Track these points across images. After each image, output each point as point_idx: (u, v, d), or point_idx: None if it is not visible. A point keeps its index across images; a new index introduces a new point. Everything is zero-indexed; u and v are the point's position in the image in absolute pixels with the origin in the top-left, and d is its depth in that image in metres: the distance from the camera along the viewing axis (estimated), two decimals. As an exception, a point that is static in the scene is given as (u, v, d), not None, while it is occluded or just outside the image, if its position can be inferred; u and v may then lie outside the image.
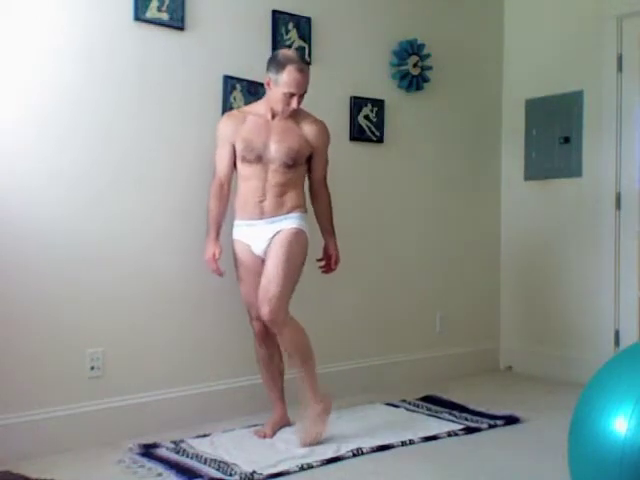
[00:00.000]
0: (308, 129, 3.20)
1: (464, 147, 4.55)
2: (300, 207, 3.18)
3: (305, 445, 2.99)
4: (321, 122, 3.25)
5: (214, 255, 3.12)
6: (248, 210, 3.14)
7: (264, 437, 3.11)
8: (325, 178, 3.32)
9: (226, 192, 3.19)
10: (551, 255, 4.47)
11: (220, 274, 3.16)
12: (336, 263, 3.37)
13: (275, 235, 3.11)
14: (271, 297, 2.96)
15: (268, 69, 3.10)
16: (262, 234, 3.13)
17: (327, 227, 3.34)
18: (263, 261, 3.13)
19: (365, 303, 4.01)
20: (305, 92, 3.11)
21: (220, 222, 3.18)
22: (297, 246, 3.10)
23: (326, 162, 3.30)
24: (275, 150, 3.11)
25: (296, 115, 3.17)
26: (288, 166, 3.13)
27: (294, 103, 3.08)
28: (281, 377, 3.28)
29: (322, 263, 3.37)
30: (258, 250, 3.15)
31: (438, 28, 4.38)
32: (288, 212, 3.14)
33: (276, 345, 3.22)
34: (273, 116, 3.15)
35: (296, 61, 3.06)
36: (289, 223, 3.12)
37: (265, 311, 2.97)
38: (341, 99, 3.93)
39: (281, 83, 3.04)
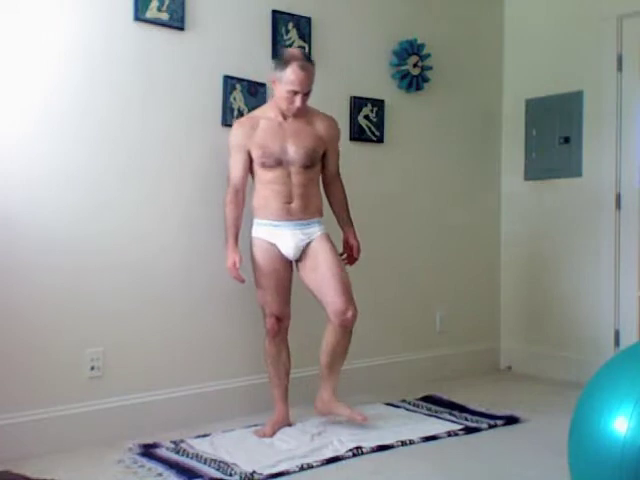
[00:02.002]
0: (320, 126, 3.23)
1: (464, 147, 4.55)
2: (321, 210, 3.27)
3: (319, 412, 3.24)
4: (331, 117, 3.30)
5: (235, 263, 3.10)
6: (272, 211, 3.14)
7: (264, 436, 3.10)
8: (338, 171, 3.37)
9: (242, 198, 3.17)
10: (551, 255, 4.47)
11: (242, 281, 3.14)
12: (358, 252, 3.40)
13: (309, 244, 3.16)
14: (348, 306, 3.13)
15: (274, 66, 3.12)
16: (291, 237, 3.15)
17: (345, 218, 3.39)
18: (291, 264, 3.19)
19: (365, 303, 4.00)
20: (310, 91, 3.11)
21: (238, 229, 3.16)
22: (335, 250, 3.23)
23: (338, 155, 3.35)
24: (294, 152, 3.13)
25: (306, 114, 3.18)
26: (307, 166, 3.17)
27: (297, 101, 3.08)
28: (287, 376, 3.27)
29: (344, 255, 3.39)
30: (287, 252, 3.16)
31: (438, 28, 4.38)
32: (313, 216, 3.21)
33: (286, 343, 3.24)
34: (284, 117, 3.15)
35: (300, 59, 3.06)
36: (317, 229, 3.21)
37: (349, 315, 3.13)
38: (341, 99, 3.93)
39: (284, 81, 3.05)
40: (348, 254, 3.40)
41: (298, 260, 3.21)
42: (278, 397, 3.26)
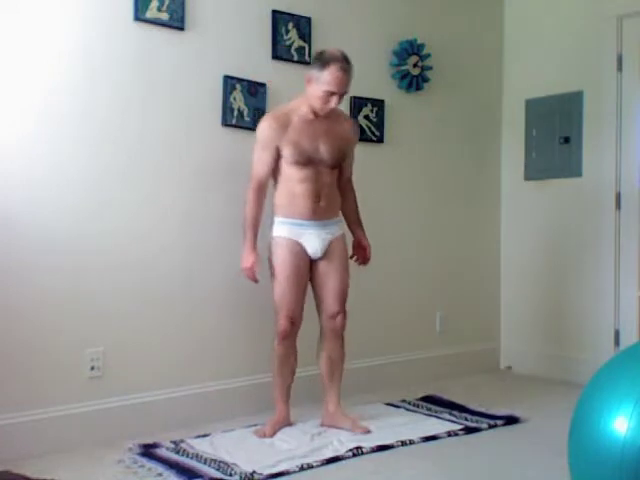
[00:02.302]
0: (344, 128, 3.25)
1: (464, 147, 4.55)
2: (340, 211, 3.31)
3: (325, 425, 3.25)
4: (351, 119, 3.33)
5: (254, 265, 3.10)
6: (299, 210, 3.13)
7: (264, 436, 3.10)
8: (352, 174, 3.40)
9: (264, 197, 3.16)
10: (551, 255, 4.47)
11: (256, 281, 3.14)
12: (369, 253, 3.42)
13: (331, 243, 3.18)
14: (340, 308, 3.21)
15: (312, 65, 3.11)
16: (317, 237, 3.16)
17: (357, 221, 3.41)
18: (310, 264, 3.18)
19: (365, 303, 4.01)
20: (346, 92, 3.11)
21: (258, 228, 3.14)
22: (347, 253, 3.31)
23: (353, 159, 3.38)
24: (324, 151, 3.14)
25: (332, 113, 3.17)
26: (334, 167, 3.19)
27: (333, 102, 3.07)
28: (292, 376, 3.26)
29: (355, 257, 3.40)
30: (314, 252, 3.16)
31: (438, 28, 4.38)
32: (335, 215, 3.24)
33: (295, 346, 3.23)
34: (316, 115, 3.14)
35: (340, 60, 3.05)
36: (337, 229, 3.24)
37: (340, 319, 3.22)
38: (341, 99, 3.93)
39: (323, 81, 3.03)
40: (361, 255, 3.41)
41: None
42: (280, 397, 3.25)
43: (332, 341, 3.24)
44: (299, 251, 3.14)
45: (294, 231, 3.13)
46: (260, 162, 3.13)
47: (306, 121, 3.13)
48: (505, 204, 4.72)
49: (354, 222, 3.40)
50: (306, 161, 3.10)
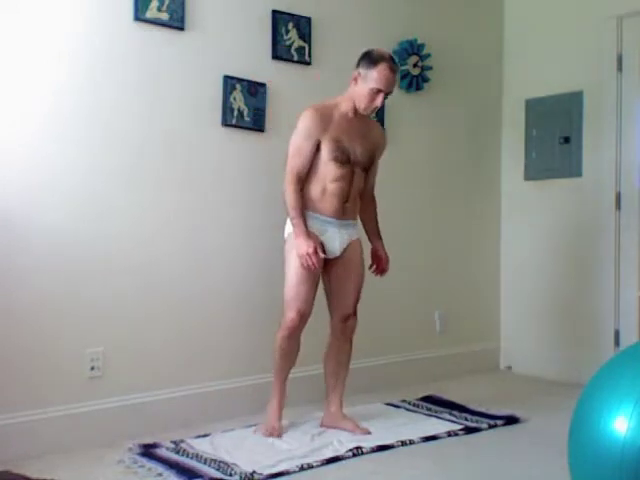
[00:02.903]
0: (377, 134, 3.27)
1: (464, 147, 4.55)
2: (357, 214, 3.30)
3: (325, 426, 3.23)
4: (382, 129, 3.31)
5: (316, 247, 3.02)
6: (328, 207, 3.10)
7: (271, 435, 3.06)
8: (374, 185, 3.38)
9: (302, 187, 3.10)
10: (551, 255, 4.47)
11: (316, 267, 3.04)
12: (387, 263, 3.39)
13: (349, 245, 3.18)
14: (354, 311, 3.24)
15: (359, 64, 3.10)
16: (339, 236, 3.15)
17: (377, 231, 3.39)
18: (325, 261, 3.13)
19: (365, 303, 4.00)
20: (391, 92, 3.12)
21: (304, 216, 3.09)
22: (362, 258, 3.30)
23: (377, 169, 3.35)
24: (360, 153, 3.14)
25: (367, 117, 3.19)
26: (366, 170, 3.19)
27: (379, 101, 3.07)
28: (289, 371, 3.24)
29: (373, 267, 3.38)
30: (333, 250, 3.14)
31: (438, 28, 4.38)
32: (355, 218, 3.24)
33: (299, 341, 3.19)
34: (355, 114, 3.13)
35: (389, 59, 3.08)
36: (355, 232, 3.23)
37: (352, 322, 3.25)
38: (341, 99, 3.93)
39: (371, 79, 3.04)
40: (379, 265, 3.38)
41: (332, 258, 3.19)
42: (281, 390, 3.19)
43: (342, 343, 3.25)
44: (318, 245, 3.07)
45: (317, 227, 3.10)
46: (301, 153, 3.05)
47: (346, 119, 3.12)
48: (505, 204, 4.72)
49: (373, 232, 3.38)
50: (345, 159, 3.08)
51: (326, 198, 3.11)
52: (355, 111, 3.13)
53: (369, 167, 3.22)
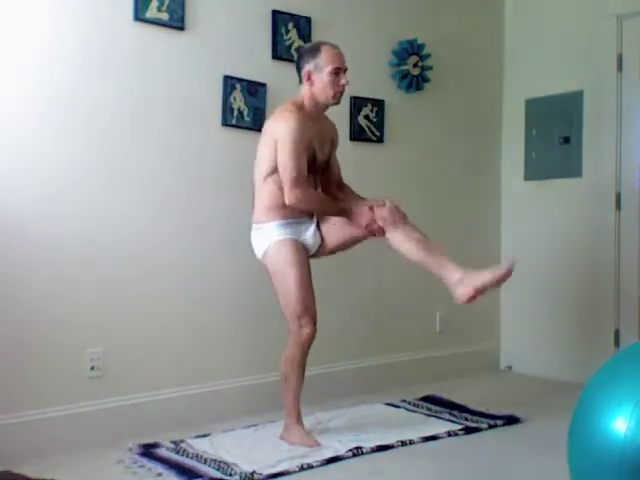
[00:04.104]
0: (331, 130, 3.22)
1: (464, 147, 4.55)
2: None
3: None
4: (330, 119, 3.25)
5: (373, 213, 2.96)
6: (295, 210, 3.00)
7: (312, 446, 2.97)
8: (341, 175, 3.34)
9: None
10: (551, 255, 4.47)
11: (382, 234, 2.96)
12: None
13: (317, 231, 3.10)
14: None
15: (304, 61, 3.03)
16: (311, 232, 3.08)
17: (356, 195, 3.26)
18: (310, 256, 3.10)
19: (365, 303, 4.01)
20: (347, 69, 3.06)
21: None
22: None
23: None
24: (321, 154, 3.10)
25: (322, 115, 3.14)
26: (322, 169, 3.16)
27: (344, 79, 3.02)
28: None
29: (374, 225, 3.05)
30: (311, 246, 3.09)
31: (438, 28, 4.38)
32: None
33: None
34: (311, 118, 3.04)
35: (327, 41, 3.07)
36: (313, 221, 3.11)
37: (399, 216, 3.04)
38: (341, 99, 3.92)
39: (324, 64, 2.99)
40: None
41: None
42: (299, 408, 3.07)
43: (410, 230, 2.99)
44: (303, 250, 3.05)
45: (296, 230, 3.04)
46: (302, 161, 2.93)
47: (311, 120, 3.04)
48: (505, 204, 4.72)
49: (355, 196, 3.24)
50: (312, 161, 3.03)
51: None
52: (316, 110, 3.07)
53: (324, 167, 3.16)
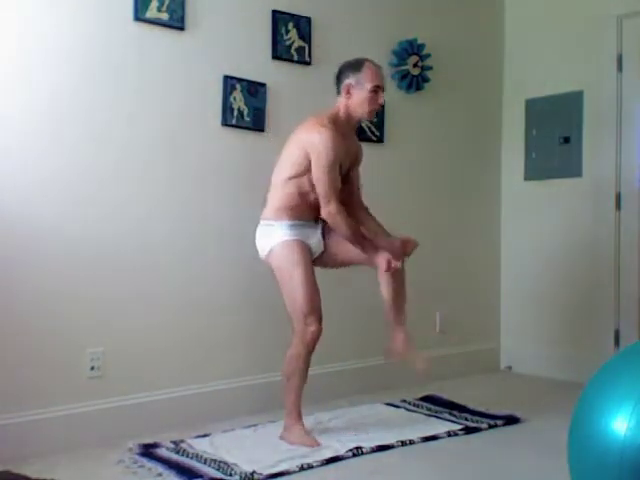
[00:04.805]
0: (357, 148, 3.27)
1: (464, 147, 4.55)
2: None
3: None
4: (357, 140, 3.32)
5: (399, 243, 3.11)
6: (307, 213, 3.07)
7: (312, 445, 2.97)
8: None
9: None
10: (551, 255, 4.47)
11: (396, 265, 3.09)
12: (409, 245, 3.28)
13: (322, 238, 3.16)
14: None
15: (345, 75, 3.10)
16: (317, 237, 3.13)
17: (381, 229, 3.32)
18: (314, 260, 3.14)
19: (365, 303, 4.01)
20: (384, 89, 3.13)
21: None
22: None
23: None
24: (344, 168, 3.13)
25: (352, 131, 3.22)
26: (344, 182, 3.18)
27: (381, 98, 3.09)
28: None
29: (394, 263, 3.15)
30: (316, 249, 3.13)
31: (438, 28, 4.38)
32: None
33: None
34: (347, 128, 3.13)
35: (369, 59, 3.13)
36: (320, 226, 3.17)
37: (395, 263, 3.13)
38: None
39: (365, 81, 3.05)
40: (405, 249, 3.23)
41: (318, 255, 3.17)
42: (300, 408, 3.08)
43: (393, 279, 3.22)
44: (309, 252, 3.08)
45: (303, 233, 3.07)
46: (335, 174, 3.01)
47: (342, 134, 3.09)
48: (505, 204, 4.73)
49: (382, 233, 3.28)
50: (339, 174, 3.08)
51: (307, 206, 3.08)
52: (348, 125, 3.14)
53: (344, 179, 3.17)
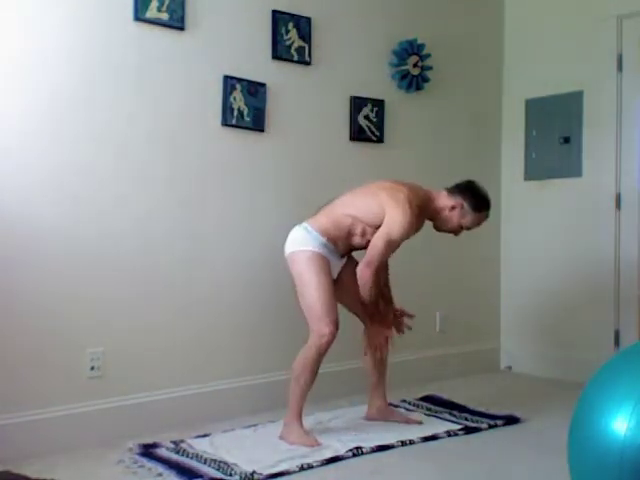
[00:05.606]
0: (421, 225, 3.37)
1: (464, 147, 4.55)
2: None
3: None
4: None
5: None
6: (339, 245, 3.18)
7: (312, 445, 2.99)
8: None
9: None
10: (551, 255, 4.47)
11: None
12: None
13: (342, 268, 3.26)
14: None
15: (466, 196, 3.22)
16: (337, 266, 3.22)
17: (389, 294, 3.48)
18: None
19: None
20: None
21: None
22: None
23: None
24: None
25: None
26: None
27: (460, 234, 3.33)
28: None
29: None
30: (333, 272, 3.21)
31: (438, 28, 4.38)
32: None
33: None
34: (421, 216, 3.24)
35: (488, 207, 3.28)
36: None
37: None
38: (341, 99, 3.93)
39: (468, 219, 3.24)
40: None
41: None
42: (301, 406, 3.09)
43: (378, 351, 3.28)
44: (329, 266, 3.15)
45: (329, 253, 3.14)
46: (392, 251, 3.16)
47: (420, 218, 3.22)
48: (505, 204, 4.72)
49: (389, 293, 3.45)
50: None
51: (347, 243, 3.20)
52: (427, 213, 3.26)
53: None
